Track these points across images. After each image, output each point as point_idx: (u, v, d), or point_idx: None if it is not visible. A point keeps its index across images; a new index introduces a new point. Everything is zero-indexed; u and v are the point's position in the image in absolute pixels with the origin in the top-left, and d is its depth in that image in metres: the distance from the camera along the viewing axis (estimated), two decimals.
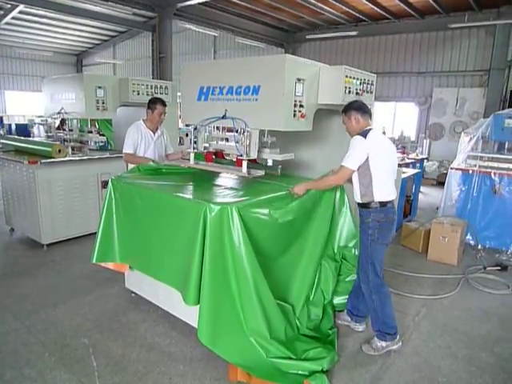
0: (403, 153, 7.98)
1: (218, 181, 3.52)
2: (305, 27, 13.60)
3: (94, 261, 3.22)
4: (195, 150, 3.52)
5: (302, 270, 3.08)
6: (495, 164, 5.10)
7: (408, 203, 6.32)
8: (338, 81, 3.16)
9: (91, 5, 11.22)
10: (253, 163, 3.41)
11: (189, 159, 3.56)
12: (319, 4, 10.67)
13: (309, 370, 2.50)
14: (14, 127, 12.56)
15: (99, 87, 5.12)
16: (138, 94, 5.25)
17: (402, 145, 8.84)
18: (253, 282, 2.50)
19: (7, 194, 5.13)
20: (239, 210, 2.49)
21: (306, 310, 3.03)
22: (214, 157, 3.53)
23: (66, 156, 4.79)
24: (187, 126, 6.70)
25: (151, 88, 5.49)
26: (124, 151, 4.00)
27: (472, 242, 5.07)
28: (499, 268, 4.50)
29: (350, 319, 3.22)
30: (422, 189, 8.70)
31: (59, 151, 4.68)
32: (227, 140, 3.46)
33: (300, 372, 2.50)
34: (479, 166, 5.12)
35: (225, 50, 15.91)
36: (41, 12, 12.84)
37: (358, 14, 11.51)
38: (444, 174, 7.53)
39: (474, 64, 10.90)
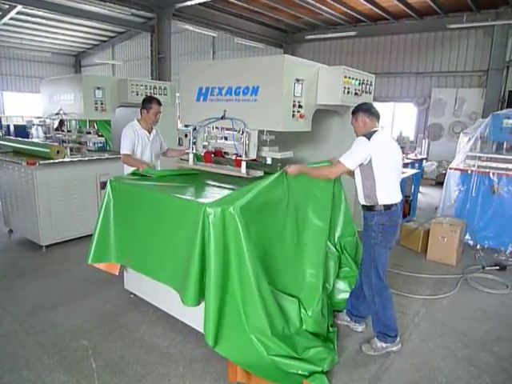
0: (402, 153, 7.97)
1: (218, 180, 3.50)
2: (304, 28, 13.61)
3: (89, 261, 3.21)
4: (194, 151, 3.51)
5: (306, 262, 3.06)
6: (494, 164, 5.11)
7: (407, 203, 6.33)
8: (337, 81, 3.17)
9: (89, 5, 11.22)
10: (252, 162, 3.41)
11: (187, 160, 3.56)
12: (318, 4, 10.68)
13: (309, 370, 2.50)
14: (12, 128, 12.53)
15: (98, 88, 5.11)
16: (137, 94, 5.25)
17: (400, 145, 8.82)
18: (254, 279, 2.49)
19: (5, 196, 5.12)
20: (239, 208, 2.49)
21: (314, 304, 2.99)
22: (212, 156, 3.53)
23: (64, 157, 4.78)
24: (186, 126, 6.70)
25: (150, 89, 5.49)
26: (122, 152, 3.88)
27: (471, 242, 5.08)
28: (498, 268, 4.51)
29: (349, 319, 3.21)
30: (421, 189, 8.70)
31: (58, 152, 4.67)
32: (226, 139, 3.45)
33: (300, 372, 2.50)
34: (478, 166, 5.13)
35: (224, 51, 15.91)
36: (39, 13, 12.82)
37: (356, 15, 11.53)
38: (443, 174, 7.53)
39: (472, 64, 10.92)
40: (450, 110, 11.23)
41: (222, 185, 3.33)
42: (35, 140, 7.65)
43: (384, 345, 2.86)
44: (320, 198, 3.20)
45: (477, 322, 3.41)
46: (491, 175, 4.97)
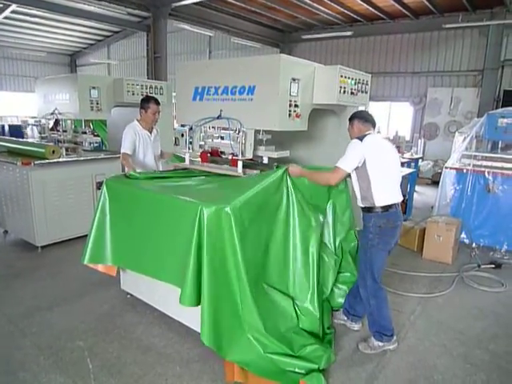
0: (398, 152, 8.00)
1: (214, 179, 3.48)
2: (300, 27, 13.62)
3: (85, 261, 3.19)
4: (190, 151, 3.51)
5: (301, 263, 3.06)
6: (489, 163, 5.13)
7: (403, 202, 6.35)
8: (333, 80, 3.17)
9: (85, 4, 11.16)
10: (248, 161, 3.40)
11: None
12: (314, 4, 10.69)
13: (305, 368, 2.50)
14: (6, 128, 12.46)
15: (93, 87, 5.10)
16: (133, 94, 5.23)
17: (396, 144, 8.87)
18: (248, 278, 2.49)
19: (0, 196, 5.09)
20: (235, 207, 2.48)
21: (308, 303, 3.00)
22: (209, 155, 3.52)
23: (59, 157, 4.76)
24: (182, 126, 6.68)
25: (146, 88, 5.47)
26: (122, 151, 3.80)
27: (466, 241, 5.10)
28: (493, 266, 4.54)
29: (346, 318, 3.22)
30: (417, 188, 8.75)
31: (53, 152, 4.64)
32: (222, 138, 3.45)
33: (297, 370, 2.51)
34: (473, 165, 5.15)
35: (220, 50, 15.89)
36: (34, 12, 12.73)
37: (353, 15, 11.54)
38: (439, 174, 7.57)
39: (467, 64, 10.97)
40: (445, 109, 11.28)
41: (218, 182, 3.31)
42: (30, 140, 7.60)
43: (380, 343, 2.88)
44: (317, 200, 3.20)
45: (472, 319, 3.43)
46: (486, 174, 4.99)
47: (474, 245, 4.97)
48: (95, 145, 5.85)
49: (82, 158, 5.02)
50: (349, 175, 2.85)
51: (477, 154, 5.29)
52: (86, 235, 3.24)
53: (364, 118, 2.88)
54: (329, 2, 10.47)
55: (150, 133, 4.06)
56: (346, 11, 11.21)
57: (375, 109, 12.53)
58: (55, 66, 21.21)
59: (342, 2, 10.65)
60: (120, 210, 3.13)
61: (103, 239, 3.18)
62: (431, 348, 2.99)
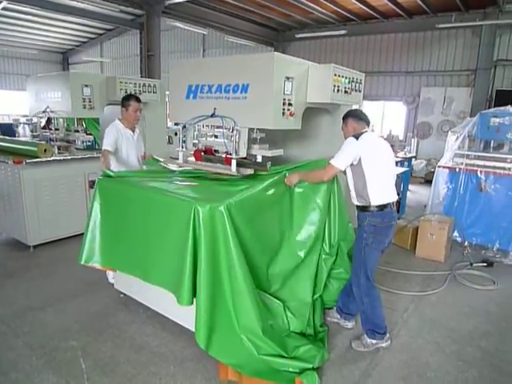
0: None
1: (209, 177, 3.46)
2: (294, 26, 13.62)
3: (81, 262, 3.17)
4: (184, 149, 3.49)
5: (293, 265, 3.07)
6: (481, 162, 5.16)
7: (397, 201, 6.38)
8: (327, 79, 3.17)
9: (77, 2, 11.05)
10: (242, 160, 3.39)
11: (177, 158, 3.54)
12: (309, 3, 10.69)
13: (299, 368, 2.51)
14: None
15: (86, 85, 5.04)
16: (126, 92, 5.18)
17: (390, 144, 8.88)
18: (244, 278, 2.49)
19: None
20: (230, 207, 2.48)
21: (299, 305, 3.01)
22: (202, 154, 3.50)
23: (52, 156, 4.71)
24: (176, 124, 6.65)
25: (139, 86, 5.43)
26: (104, 148, 3.64)
27: (459, 239, 5.14)
28: (485, 264, 4.58)
29: (339, 316, 3.24)
30: (410, 187, 8.80)
31: (45, 151, 4.60)
32: (216, 137, 3.44)
33: (291, 370, 2.51)
34: (466, 164, 5.19)
35: (214, 49, 15.84)
36: (25, 9, 12.57)
37: (347, 14, 11.57)
38: (432, 173, 7.62)
39: (460, 64, 11.05)
40: (438, 108, 11.35)
41: (213, 180, 3.29)
42: (22, 139, 7.51)
43: (373, 341, 2.89)
44: (313, 200, 3.21)
45: (465, 317, 3.46)
46: (479, 173, 5.03)
47: (466, 243, 5.00)
48: (88, 143, 5.78)
49: (74, 157, 4.98)
50: (344, 172, 2.86)
51: (469, 153, 5.33)
52: (79, 234, 3.23)
53: (358, 117, 2.89)
54: (323, 1, 10.48)
55: (133, 132, 3.92)
56: (339, 10, 11.24)
57: (369, 108, 12.58)
58: (47, 64, 21.00)
59: (335, 1, 10.66)
60: (113, 211, 3.10)
61: (95, 239, 3.16)
62: (424, 345, 3.01)
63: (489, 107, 9.89)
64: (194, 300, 2.48)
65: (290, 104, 3.04)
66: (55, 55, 21.44)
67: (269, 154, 3.22)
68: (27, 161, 4.42)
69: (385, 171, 2.81)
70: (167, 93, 5.89)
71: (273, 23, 13.49)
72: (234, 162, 3.15)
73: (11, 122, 12.93)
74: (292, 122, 3.13)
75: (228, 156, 3.18)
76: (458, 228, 5.13)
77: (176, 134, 6.91)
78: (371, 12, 11.17)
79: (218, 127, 3.33)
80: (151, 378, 2.56)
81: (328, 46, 13.47)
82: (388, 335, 2.95)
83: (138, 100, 3.83)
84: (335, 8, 11.03)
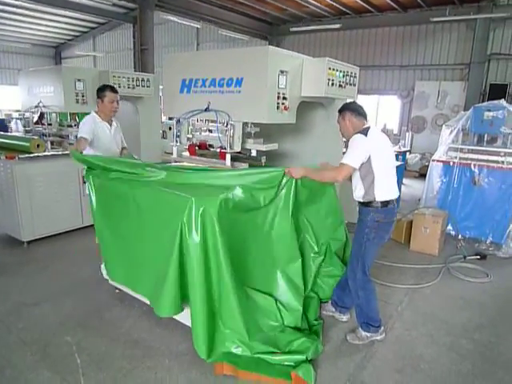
0: None
1: (199, 173, 3.40)
2: (289, 20, 13.55)
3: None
4: (178, 144, 3.47)
5: (283, 261, 3.05)
6: (475, 156, 5.19)
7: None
8: (321, 73, 3.16)
9: None
10: (237, 154, 3.38)
11: (171, 152, 3.52)
12: None
13: (294, 360, 2.52)
14: None
15: (78, 80, 5.00)
16: (119, 86, 5.14)
17: None
18: (230, 280, 2.47)
19: None
20: (218, 203, 2.44)
21: (291, 301, 3.00)
22: (196, 148, 3.49)
23: (44, 151, 4.67)
24: (170, 119, 6.60)
25: (132, 81, 5.39)
26: (80, 135, 3.45)
27: (453, 233, 5.18)
28: (479, 257, 4.61)
29: (334, 310, 3.25)
30: (405, 181, 8.85)
31: (38, 146, 4.56)
32: (211, 131, 3.42)
33: (286, 363, 2.52)
34: (459, 158, 5.21)
35: (208, 43, 15.73)
36: (17, 2, 12.40)
37: (341, 7, 11.52)
38: (426, 166, 7.65)
39: (454, 58, 11.07)
40: (432, 102, 11.38)
41: (203, 176, 3.25)
42: (15, 134, 7.44)
43: (368, 334, 2.91)
44: (306, 200, 3.13)
45: (458, 310, 3.49)
46: (472, 167, 5.06)
47: (460, 236, 5.04)
48: None
49: (67, 152, 4.92)
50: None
51: (463, 147, 5.35)
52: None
53: (357, 111, 2.80)
54: None
55: (110, 125, 3.73)
56: (334, 3, 11.19)
57: (364, 102, 12.54)
58: (40, 59, 20.75)
59: None
60: (103, 210, 3.10)
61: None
62: (418, 338, 3.04)
63: (482, 101, 9.92)
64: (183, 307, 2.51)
65: (284, 98, 3.03)
66: (47, 49, 21.18)
67: (263, 148, 3.22)
68: (20, 156, 4.38)
69: (390, 167, 2.78)
70: (161, 87, 5.85)
71: (267, 17, 13.41)
72: (228, 157, 3.14)
73: (3, 117, 12.82)
74: (286, 116, 3.12)
75: (222, 150, 3.16)
76: (452, 221, 5.17)
77: (170, 128, 6.87)
78: (366, 5, 11.14)
79: (212, 121, 3.32)
80: (147, 372, 2.57)
81: (322, 39, 13.42)
82: (382, 328, 2.97)
83: (113, 90, 3.63)
84: (330, 1, 10.99)
